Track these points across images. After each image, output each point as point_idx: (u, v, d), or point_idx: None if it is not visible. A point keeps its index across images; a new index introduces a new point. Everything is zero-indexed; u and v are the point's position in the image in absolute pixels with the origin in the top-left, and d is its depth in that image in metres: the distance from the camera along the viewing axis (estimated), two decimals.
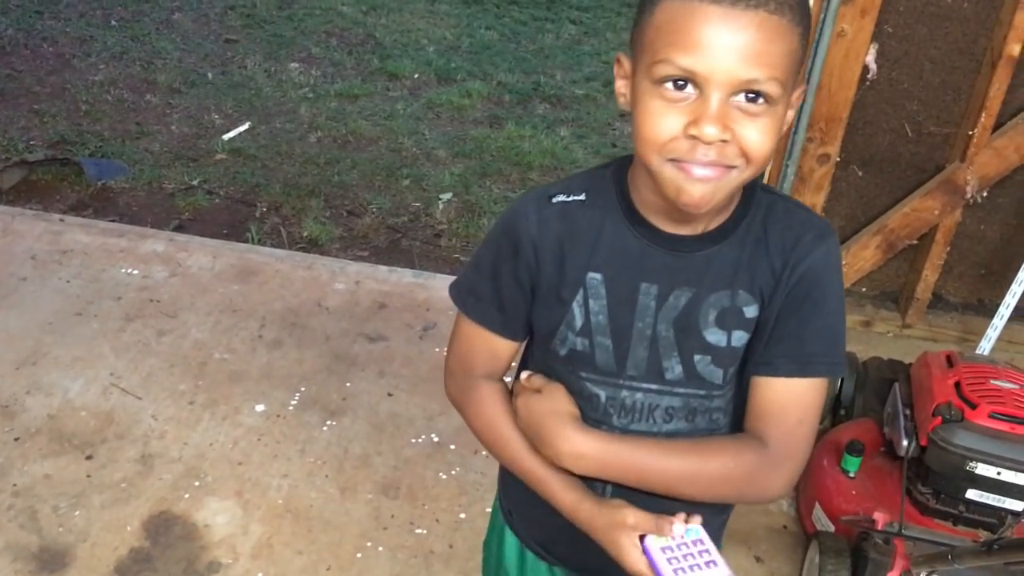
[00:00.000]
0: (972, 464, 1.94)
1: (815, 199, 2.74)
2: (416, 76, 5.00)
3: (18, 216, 3.25)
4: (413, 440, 2.46)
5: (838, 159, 2.70)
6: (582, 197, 1.08)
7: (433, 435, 2.48)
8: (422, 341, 2.82)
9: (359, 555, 2.12)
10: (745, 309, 1.05)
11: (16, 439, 2.35)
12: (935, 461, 1.99)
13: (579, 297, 1.07)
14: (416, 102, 4.69)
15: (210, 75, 4.76)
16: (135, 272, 3.01)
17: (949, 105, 2.67)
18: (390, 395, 2.61)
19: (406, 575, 2.09)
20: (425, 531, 2.20)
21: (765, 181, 2.71)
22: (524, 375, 1.14)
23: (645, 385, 1.08)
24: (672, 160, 0.94)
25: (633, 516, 1.02)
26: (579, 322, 1.07)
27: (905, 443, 2.05)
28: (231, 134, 4.19)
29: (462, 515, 2.25)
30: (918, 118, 2.70)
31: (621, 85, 1.02)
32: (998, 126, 2.64)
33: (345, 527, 2.19)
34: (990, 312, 2.69)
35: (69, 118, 4.17)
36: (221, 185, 3.76)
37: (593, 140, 4.47)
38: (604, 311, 1.06)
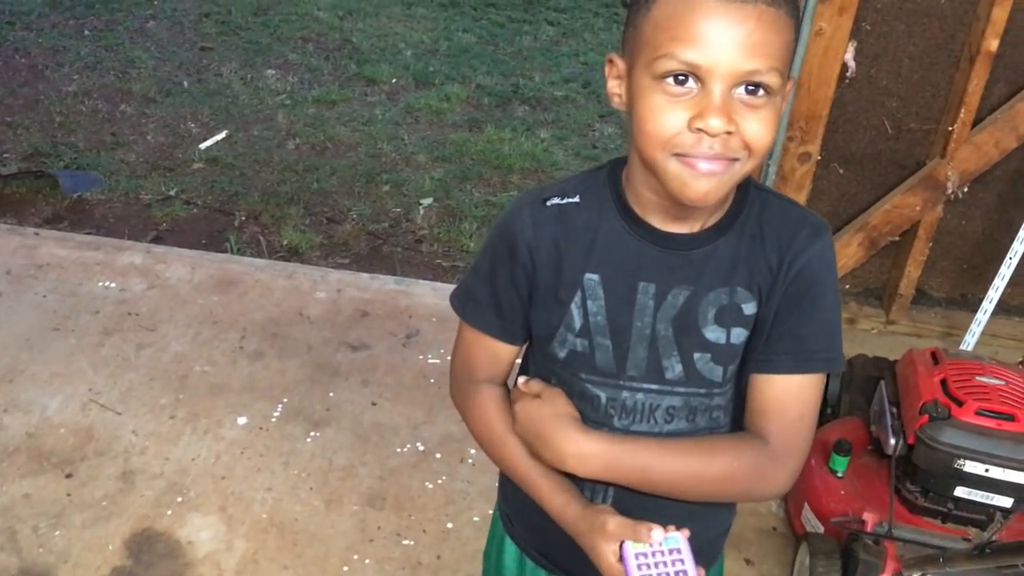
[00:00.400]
0: (960, 462, 1.93)
1: (797, 198, 2.73)
2: (394, 81, 4.97)
3: None
4: (398, 449, 2.43)
5: (819, 157, 2.70)
6: (576, 199, 1.08)
7: (418, 444, 2.45)
8: (405, 349, 2.79)
9: (345, 568, 2.10)
10: (744, 306, 1.05)
11: None
12: (923, 459, 1.98)
13: (577, 298, 1.07)
14: (394, 107, 4.67)
15: (186, 83, 4.72)
16: (112, 285, 2.97)
17: (928, 101, 2.67)
18: (374, 404, 2.58)
19: None
20: (412, 542, 2.18)
21: None
22: (521, 380, 1.13)
23: (646, 385, 1.08)
24: (677, 155, 0.94)
25: (613, 522, 1.02)
26: (578, 323, 1.08)
27: (892, 442, 2.04)
28: (208, 143, 4.15)
29: (449, 525, 2.22)
30: (898, 115, 2.69)
31: (614, 85, 1.02)
32: (977, 121, 2.65)
33: (331, 540, 2.16)
34: (973, 307, 2.70)
35: (43, 130, 4.12)
36: (199, 195, 3.72)
37: (573, 142, 4.46)
38: (603, 311, 1.07)
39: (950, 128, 2.63)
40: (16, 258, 3.05)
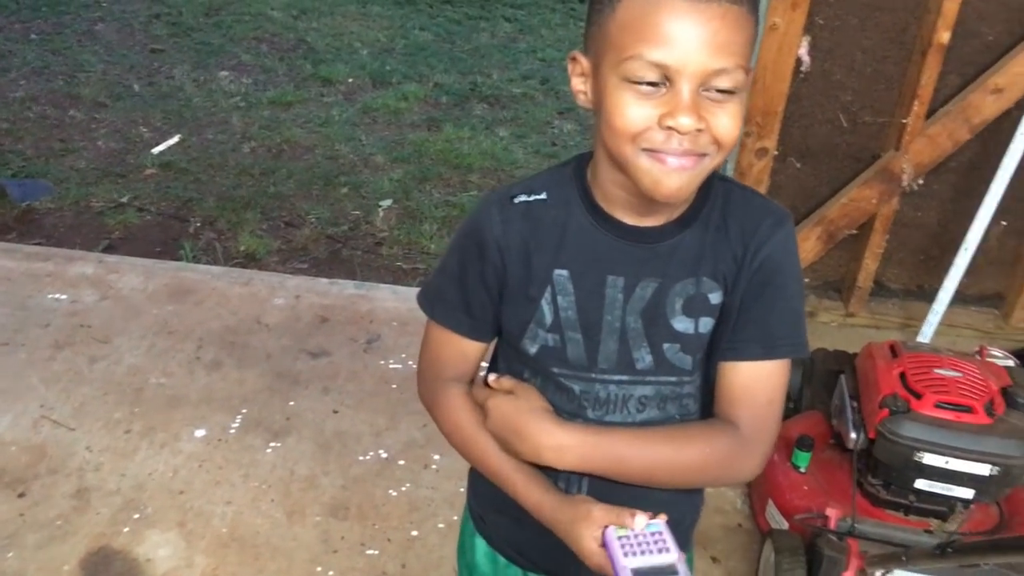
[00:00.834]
0: (920, 454, 1.94)
1: None
2: (350, 80, 4.92)
3: None
4: (361, 458, 2.40)
5: (776, 152, 2.71)
6: (543, 196, 1.09)
7: (381, 451, 2.42)
8: (367, 355, 2.76)
9: None
10: (710, 296, 1.08)
11: None
12: (884, 453, 1.99)
13: (547, 294, 1.09)
14: (351, 107, 4.62)
15: (136, 87, 4.63)
16: (63, 297, 2.90)
17: (882, 94, 2.68)
18: (335, 412, 2.54)
19: None
20: (377, 551, 2.15)
21: None
22: (492, 378, 1.14)
23: (617, 377, 1.10)
24: (647, 150, 0.96)
25: (598, 509, 1.04)
26: (549, 319, 1.09)
27: (853, 436, 2.05)
28: (160, 148, 4.07)
29: (414, 532, 2.20)
30: (853, 108, 2.71)
31: (578, 83, 1.03)
32: (931, 113, 2.67)
33: (294, 553, 2.12)
34: (930, 297, 2.72)
35: None
36: (152, 201, 3.65)
37: (533, 139, 4.44)
38: (573, 306, 1.08)
39: (904, 121, 2.65)
40: None
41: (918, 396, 1.98)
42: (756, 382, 1.09)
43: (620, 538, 1.02)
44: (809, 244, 2.87)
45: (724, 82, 0.93)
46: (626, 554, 1.00)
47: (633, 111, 0.94)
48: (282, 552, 2.12)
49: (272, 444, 2.42)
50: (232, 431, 2.45)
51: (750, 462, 1.09)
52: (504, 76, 5.11)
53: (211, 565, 2.09)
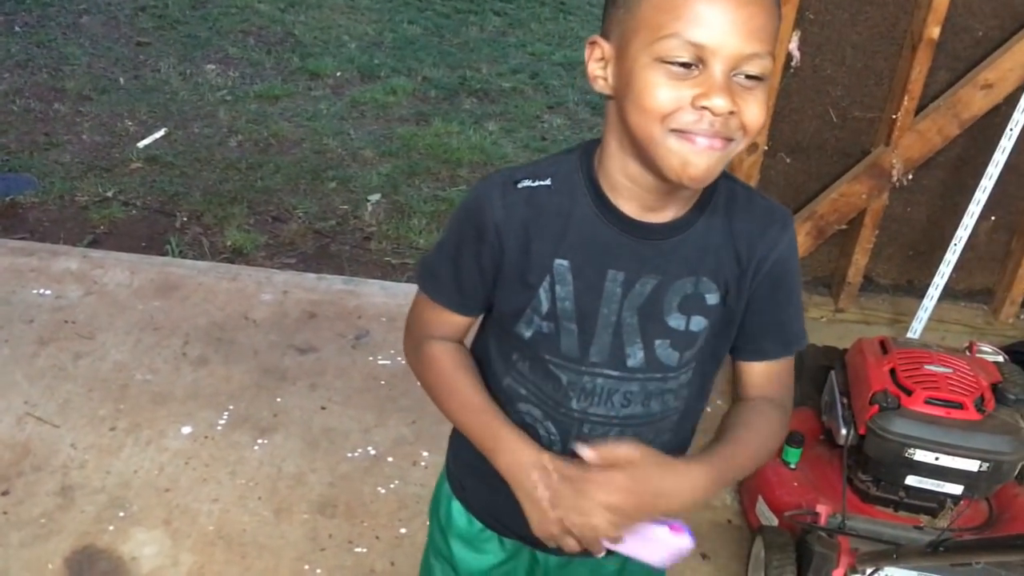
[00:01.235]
0: (910, 451, 1.94)
1: None
2: (338, 74, 4.89)
3: None
4: (349, 455, 2.38)
5: (766, 147, 2.70)
6: (548, 182, 1.08)
7: (370, 448, 2.41)
8: (355, 351, 2.74)
9: None
10: (707, 296, 1.09)
11: None
12: (874, 449, 1.99)
13: (546, 283, 1.08)
14: (340, 101, 4.59)
15: (122, 80, 4.58)
16: (47, 292, 2.86)
17: (872, 89, 2.68)
18: (323, 408, 2.53)
19: None
20: (365, 549, 2.13)
21: None
22: (587, 453, 1.03)
23: (607, 372, 1.11)
24: (675, 131, 0.95)
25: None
26: (545, 307, 1.09)
27: (844, 432, 2.05)
28: (146, 141, 4.03)
29: (403, 530, 2.18)
30: (842, 103, 2.70)
31: (596, 68, 1.02)
32: (921, 109, 2.66)
33: (281, 551, 2.11)
34: (920, 293, 2.72)
35: None
36: (138, 195, 3.61)
37: (522, 134, 4.42)
38: (571, 297, 1.08)
39: (894, 116, 2.64)
40: None
41: (908, 392, 1.98)
42: (781, 372, 1.18)
43: None
44: (799, 239, 2.82)
45: (754, 67, 0.94)
46: None
47: (664, 91, 0.94)
48: (269, 550, 2.11)
49: (259, 441, 2.40)
50: (219, 428, 2.43)
51: (786, 432, 1.20)
52: (493, 70, 5.09)
53: (197, 563, 2.07)
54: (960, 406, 1.94)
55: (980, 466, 1.92)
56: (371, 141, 4.21)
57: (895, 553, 1.50)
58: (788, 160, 2.80)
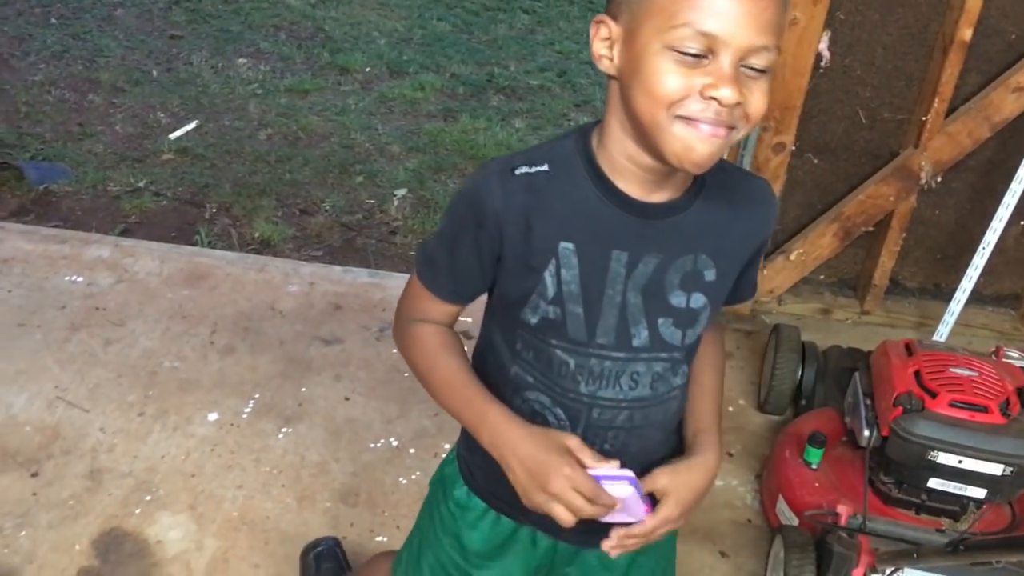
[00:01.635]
0: (933, 453, 1.94)
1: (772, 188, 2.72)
2: (368, 70, 4.92)
3: None
4: (371, 445, 2.41)
5: (793, 147, 2.69)
6: (545, 168, 1.10)
7: (392, 439, 2.43)
8: (379, 343, 2.76)
9: None
10: (705, 273, 1.13)
11: None
12: (897, 451, 1.98)
13: (551, 267, 1.09)
14: (368, 96, 4.61)
15: (155, 72, 4.64)
16: (79, 280, 2.91)
17: (902, 91, 2.66)
18: (347, 399, 2.55)
19: None
20: (386, 538, 2.16)
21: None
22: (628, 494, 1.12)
23: (614, 353, 1.13)
24: (681, 117, 0.98)
25: (574, 440, 1.10)
26: (551, 291, 1.10)
27: (867, 433, 2.05)
28: (178, 133, 4.08)
29: None
30: (872, 105, 2.69)
31: (602, 47, 1.04)
32: (951, 111, 2.65)
33: (303, 538, 2.12)
34: (947, 296, 2.70)
35: (8, 120, 4.03)
36: (168, 186, 3.66)
37: (548, 131, 4.42)
38: (576, 280, 1.10)
39: (924, 118, 2.63)
40: None
41: (933, 395, 1.97)
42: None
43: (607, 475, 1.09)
44: (825, 240, 2.86)
45: (761, 60, 0.97)
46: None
47: (673, 79, 0.96)
48: (292, 537, 2.13)
49: (284, 430, 2.43)
50: (244, 416, 2.46)
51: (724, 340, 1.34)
52: (521, 68, 5.10)
53: (221, 548, 2.10)
54: (985, 409, 1.93)
55: (1004, 470, 1.91)
56: (398, 136, 4.23)
57: (915, 553, 1.49)
58: (816, 160, 2.79)
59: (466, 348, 1.24)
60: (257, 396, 2.53)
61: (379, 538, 2.15)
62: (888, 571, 1.69)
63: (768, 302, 2.99)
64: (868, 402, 2.11)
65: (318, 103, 4.49)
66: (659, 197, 1.09)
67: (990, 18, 2.53)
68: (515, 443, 1.11)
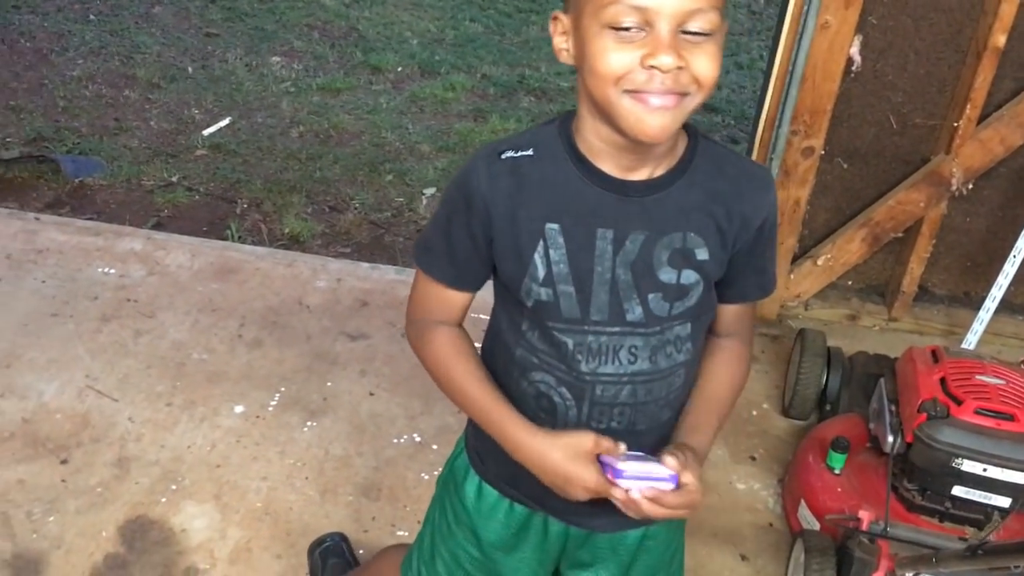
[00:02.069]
0: (958, 461, 1.92)
1: (800, 192, 2.71)
2: (399, 69, 4.95)
3: None
4: (395, 440, 2.43)
5: (823, 152, 2.68)
6: (530, 152, 1.14)
7: (415, 435, 2.45)
8: (404, 339, 2.73)
9: None
10: (696, 251, 1.14)
11: None
12: (921, 458, 1.97)
13: (540, 248, 1.13)
14: (399, 96, 4.65)
15: (190, 69, 4.70)
16: (112, 271, 2.96)
17: (934, 97, 2.64)
18: (372, 394, 2.57)
19: None
20: (407, 533, 2.17)
21: None
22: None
23: (609, 329, 1.15)
24: (629, 92, 1.01)
25: (594, 439, 1.12)
26: (541, 273, 1.13)
27: (891, 439, 2.03)
28: (211, 129, 4.13)
29: None
30: (903, 110, 2.67)
31: (560, 41, 1.09)
32: (983, 117, 2.62)
33: (325, 530, 2.14)
34: (976, 305, 2.68)
35: (46, 114, 4.11)
36: (201, 181, 3.71)
37: None
38: (564, 259, 1.12)
39: (956, 124, 2.61)
40: (16, 243, 3.05)
41: (958, 402, 1.96)
42: (750, 310, 1.29)
43: (620, 457, 1.10)
44: (854, 246, 2.84)
45: (698, 22, 0.99)
46: (634, 461, 1.09)
47: (615, 55, 1.00)
48: (314, 528, 2.15)
49: (308, 423, 2.45)
50: (270, 408, 2.49)
51: (751, 360, 1.31)
52: (552, 69, 5.11)
53: (244, 538, 2.12)
54: (1011, 418, 1.92)
55: None
56: (428, 136, 4.26)
57: (934, 557, 1.48)
58: (845, 165, 2.77)
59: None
60: (283, 389, 2.56)
61: (400, 532, 2.17)
62: (908, 575, 1.68)
63: (795, 307, 2.97)
64: (893, 408, 2.10)
65: (350, 102, 4.53)
66: (639, 175, 1.12)
67: None
68: (536, 458, 1.15)
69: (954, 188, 2.70)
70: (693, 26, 0.99)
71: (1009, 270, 2.56)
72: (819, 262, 2.86)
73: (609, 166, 1.11)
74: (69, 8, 5.26)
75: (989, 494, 1.94)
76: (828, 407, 2.49)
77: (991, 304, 2.60)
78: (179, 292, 2.90)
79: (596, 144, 1.11)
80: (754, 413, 2.62)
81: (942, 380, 2.02)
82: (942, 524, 2.00)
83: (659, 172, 1.12)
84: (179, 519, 2.16)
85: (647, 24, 0.98)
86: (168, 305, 2.84)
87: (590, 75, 1.03)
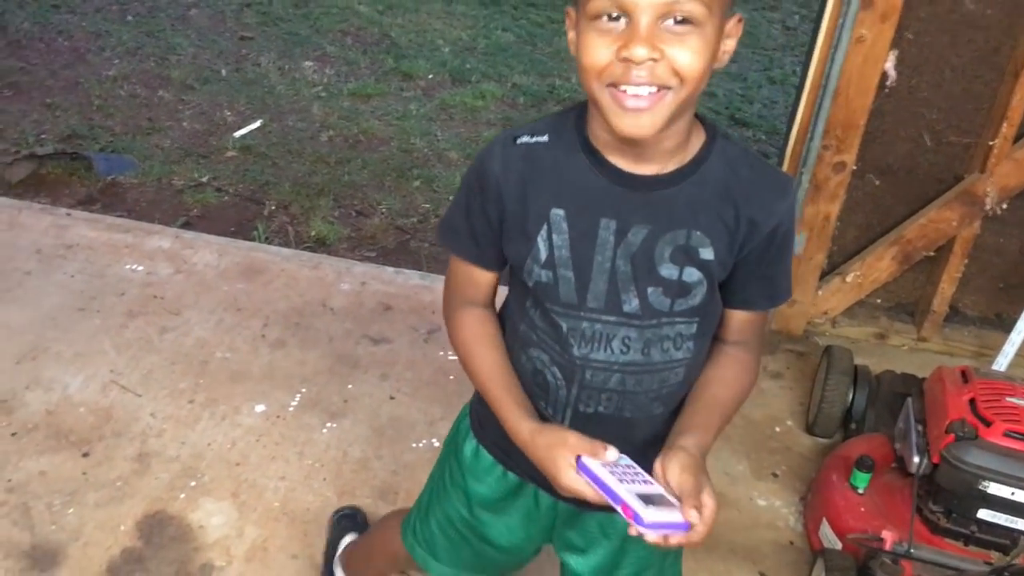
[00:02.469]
0: (985, 483, 1.88)
1: (830, 208, 2.68)
2: (430, 77, 4.97)
3: (25, 209, 3.23)
4: (413, 445, 2.42)
5: (854, 167, 2.65)
6: (545, 139, 1.17)
7: (434, 440, 2.44)
8: (426, 344, 2.78)
9: None
10: (701, 250, 1.15)
11: (13, 434, 2.32)
12: (947, 479, 1.94)
13: (543, 232, 1.16)
14: (429, 103, 4.66)
15: (224, 72, 4.75)
16: (139, 268, 2.98)
17: (970, 114, 2.61)
18: (392, 398, 2.57)
19: None
20: None
21: None
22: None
23: (604, 317, 1.17)
24: (610, 86, 1.03)
25: (573, 438, 1.11)
26: (544, 255, 1.16)
27: (917, 460, 2.00)
28: (242, 131, 4.17)
29: None
30: (937, 127, 2.64)
31: (572, 34, 1.11)
32: (1019, 137, 2.58)
33: None
34: (1008, 327, 2.62)
35: (81, 112, 4.16)
36: (230, 182, 3.74)
37: None
38: (566, 245, 1.15)
39: (991, 143, 2.57)
40: (47, 237, 3.08)
41: (987, 423, 1.92)
42: (759, 321, 1.27)
43: (603, 465, 1.07)
44: (883, 264, 2.80)
45: (681, 11, 0.99)
46: (619, 480, 1.05)
47: (596, 48, 1.02)
48: None
49: (328, 425, 2.45)
50: (291, 409, 2.49)
51: (757, 374, 1.29)
52: None
53: (261, 537, 2.12)
54: None
55: None
56: (457, 143, 4.27)
57: None
58: (877, 182, 2.74)
59: None
60: (304, 390, 2.56)
61: None
62: None
63: (822, 324, 2.94)
64: (920, 428, 2.06)
65: (380, 108, 4.55)
66: (646, 169, 1.13)
67: None
68: (522, 445, 1.18)
69: (988, 208, 2.66)
70: (676, 15, 1.00)
71: None
72: (848, 279, 2.83)
73: (617, 158, 1.13)
74: (107, 9, 5.33)
75: (1016, 518, 1.90)
76: (853, 426, 2.46)
77: (1023, 326, 2.55)
78: (205, 291, 2.91)
79: (601, 135, 1.13)
80: (777, 429, 2.59)
81: (971, 401, 1.98)
82: (967, 547, 1.96)
83: (669, 168, 1.13)
84: (197, 516, 2.16)
85: (628, 15, 1.00)
86: (194, 303, 2.85)
87: (579, 68, 1.06)
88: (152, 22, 5.22)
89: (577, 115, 1.17)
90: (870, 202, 2.78)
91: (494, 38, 5.59)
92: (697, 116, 1.16)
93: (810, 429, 2.55)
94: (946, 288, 2.82)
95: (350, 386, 2.59)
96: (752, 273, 1.20)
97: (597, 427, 1.18)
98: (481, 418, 1.38)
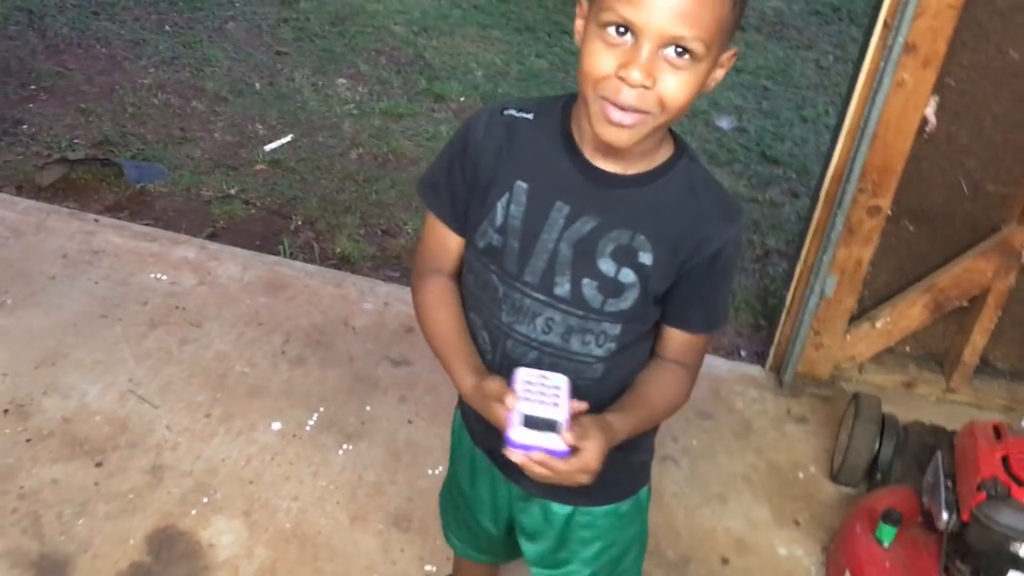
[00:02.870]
0: (1016, 545, 1.83)
1: (863, 252, 2.64)
2: (462, 99, 4.97)
3: (53, 214, 3.24)
4: (429, 471, 2.38)
5: (889, 212, 2.61)
6: (530, 116, 1.24)
7: None
8: None
9: None
10: (641, 254, 1.20)
11: (28, 440, 2.31)
12: (977, 538, 1.88)
13: (504, 199, 1.22)
14: (460, 125, 4.66)
15: (258, 85, 4.76)
16: (163, 278, 2.98)
17: (1009, 164, 2.56)
18: (410, 422, 2.54)
19: None
20: (435, 568, 2.12)
21: (813, 228, 2.63)
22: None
23: (535, 294, 1.23)
24: (602, 98, 1.09)
25: (497, 383, 1.18)
26: (499, 220, 1.23)
27: (945, 516, 1.95)
28: (273, 145, 4.17)
29: None
30: (976, 175, 2.59)
31: (580, 24, 1.15)
32: None
33: (352, 558, 2.11)
34: None
35: (114, 119, 4.18)
36: (258, 196, 3.74)
37: None
38: (520, 216, 1.22)
39: None
40: (73, 243, 3.08)
41: (1020, 483, 1.87)
42: (696, 343, 1.32)
43: (525, 382, 1.13)
44: (915, 311, 2.75)
45: (683, 49, 1.05)
46: (524, 398, 1.10)
47: (599, 59, 1.07)
48: (341, 555, 2.12)
49: (344, 446, 2.42)
50: (307, 428, 2.47)
51: (690, 394, 1.33)
52: None
53: (270, 558, 2.09)
54: None
55: None
56: None
57: None
58: (911, 228, 2.70)
59: None
60: (322, 410, 2.53)
61: (428, 566, 2.12)
62: None
63: (848, 369, 2.89)
64: (949, 484, 2.01)
65: (410, 128, 4.55)
66: (612, 167, 1.19)
67: None
68: (471, 400, 1.24)
69: None
70: (677, 50, 1.05)
71: None
72: (877, 325, 2.78)
73: (589, 150, 1.19)
74: (146, 18, 5.37)
75: None
76: (879, 476, 2.40)
77: None
78: (227, 303, 2.90)
79: (583, 127, 1.18)
80: (800, 476, 2.54)
81: (1004, 459, 1.93)
82: None
83: (631, 171, 1.19)
84: (207, 533, 2.13)
85: (633, 35, 1.05)
86: (215, 315, 2.84)
87: (579, 70, 1.10)
88: (189, 33, 5.26)
89: (565, 103, 1.23)
90: (904, 248, 2.73)
91: (527, 64, 5.60)
92: (671, 132, 1.22)
93: (835, 477, 2.49)
94: (978, 339, 2.77)
95: (368, 408, 2.57)
96: (691, 294, 1.25)
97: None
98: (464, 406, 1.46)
